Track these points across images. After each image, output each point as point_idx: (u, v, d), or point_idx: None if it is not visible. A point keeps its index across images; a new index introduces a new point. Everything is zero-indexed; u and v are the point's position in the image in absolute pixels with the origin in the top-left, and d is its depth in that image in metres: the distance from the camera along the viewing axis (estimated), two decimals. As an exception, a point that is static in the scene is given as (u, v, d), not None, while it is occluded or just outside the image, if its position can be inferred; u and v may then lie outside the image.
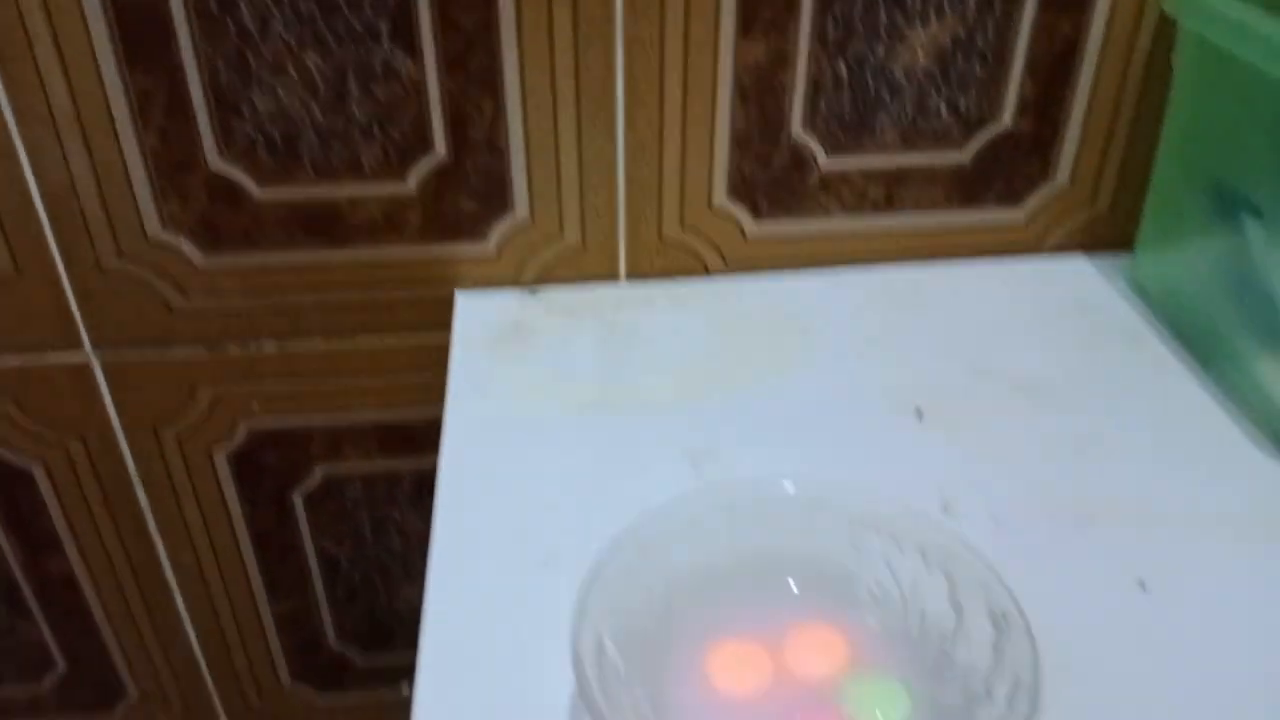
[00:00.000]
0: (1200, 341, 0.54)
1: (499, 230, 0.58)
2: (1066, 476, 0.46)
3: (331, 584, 0.74)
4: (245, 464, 0.67)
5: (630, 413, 0.51)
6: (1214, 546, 0.43)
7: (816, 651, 0.36)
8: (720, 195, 0.58)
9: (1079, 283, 0.59)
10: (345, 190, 0.56)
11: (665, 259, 0.60)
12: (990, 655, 0.33)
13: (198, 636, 0.76)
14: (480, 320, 0.57)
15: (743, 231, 0.59)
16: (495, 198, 0.57)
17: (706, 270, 0.61)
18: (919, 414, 0.50)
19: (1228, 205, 0.50)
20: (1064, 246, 0.62)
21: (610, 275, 0.60)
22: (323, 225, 0.57)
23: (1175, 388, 0.52)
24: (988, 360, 0.54)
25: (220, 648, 0.77)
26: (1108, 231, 0.61)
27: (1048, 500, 0.45)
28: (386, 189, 0.56)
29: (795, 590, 0.38)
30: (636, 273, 0.60)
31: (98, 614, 0.75)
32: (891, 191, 0.59)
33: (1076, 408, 0.51)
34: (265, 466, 0.67)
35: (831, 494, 0.38)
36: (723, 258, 0.60)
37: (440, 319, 0.59)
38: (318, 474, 0.68)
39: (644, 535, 0.37)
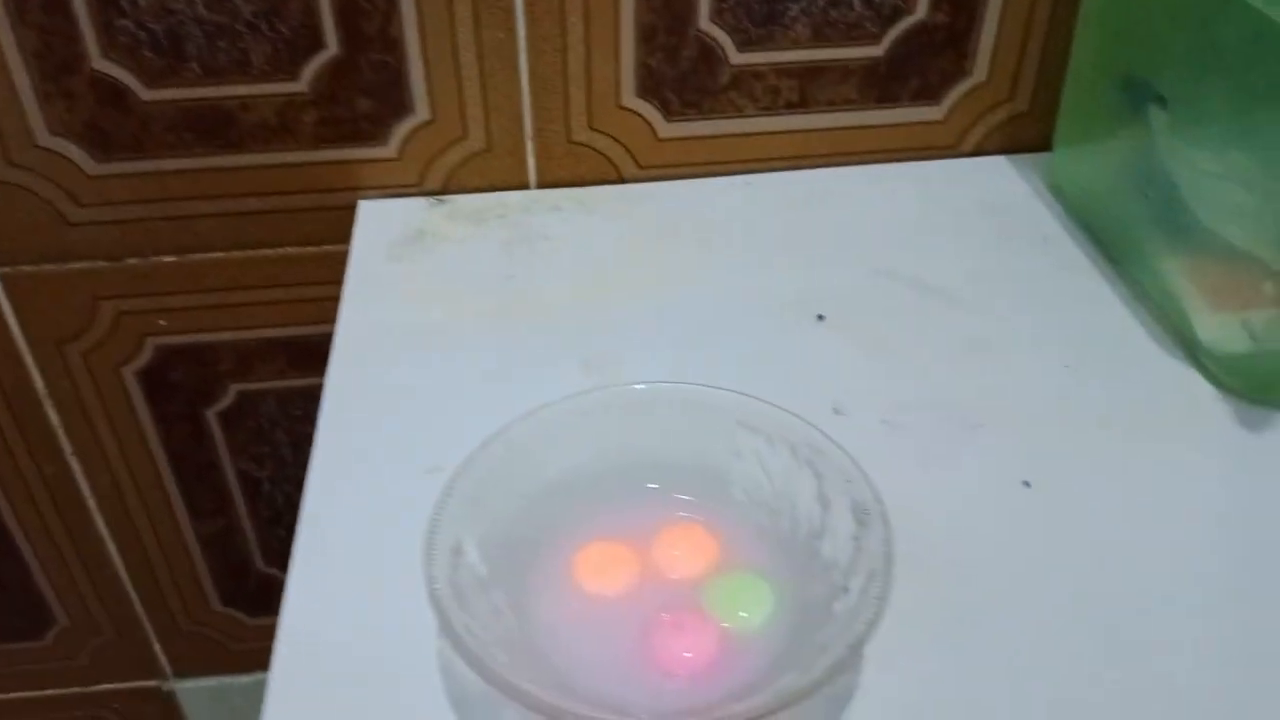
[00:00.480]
0: (1112, 241, 0.52)
1: (399, 132, 0.56)
2: (963, 378, 0.46)
3: (254, 505, 0.73)
4: (155, 382, 0.65)
5: (530, 320, 0.49)
6: (1103, 445, 0.42)
7: (686, 551, 0.35)
8: (629, 93, 0.56)
9: (996, 184, 0.58)
10: (235, 90, 0.54)
11: (576, 163, 0.58)
12: (851, 549, 0.33)
13: (123, 561, 0.75)
14: (381, 227, 0.56)
15: (654, 132, 0.57)
16: (393, 96, 0.54)
17: (620, 176, 0.59)
18: (820, 318, 0.49)
19: (1138, 98, 0.48)
20: (985, 148, 0.60)
21: (520, 182, 0.58)
22: (214, 129, 0.55)
23: (1083, 288, 0.51)
24: (896, 263, 0.52)
25: (146, 572, 0.76)
26: (1029, 131, 0.60)
27: (941, 402, 0.44)
28: (278, 88, 0.54)
29: (667, 493, 0.37)
30: (547, 179, 0.58)
31: (19, 540, 0.73)
32: (805, 89, 0.57)
33: (981, 310, 0.49)
34: (176, 384, 0.66)
35: (705, 396, 0.37)
36: (635, 161, 0.58)
37: (345, 230, 0.57)
38: (231, 391, 0.67)
39: (513, 437, 0.36)
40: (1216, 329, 0.46)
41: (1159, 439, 0.42)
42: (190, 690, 0.85)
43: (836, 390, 0.44)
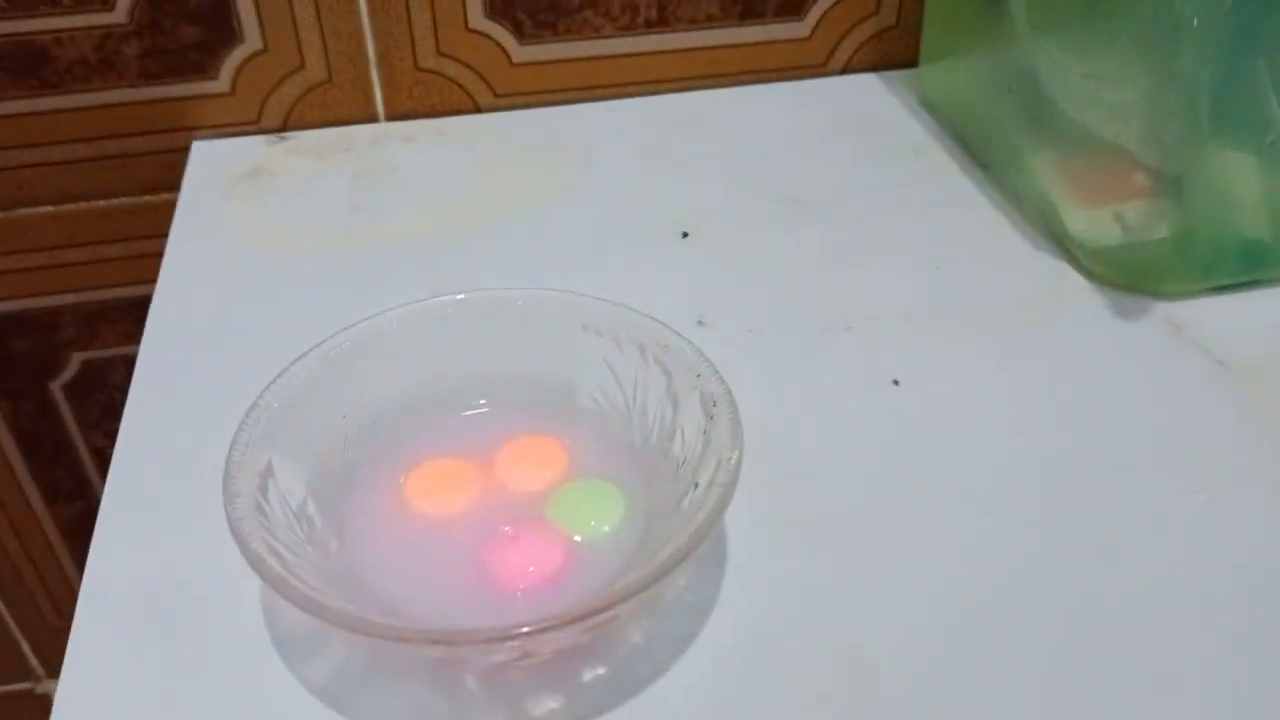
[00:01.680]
0: (982, 148, 0.51)
1: (230, 63, 0.52)
2: (830, 286, 0.44)
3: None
4: (-8, 355, 0.61)
5: (379, 251, 0.46)
6: (974, 340, 0.41)
7: (530, 465, 0.33)
8: (477, 15, 0.53)
9: (865, 100, 0.56)
10: (47, 24, 0.50)
11: (426, 93, 0.55)
12: (700, 444, 0.30)
13: (-23, 553, 0.70)
14: (216, 167, 0.52)
15: (508, 56, 0.54)
16: (220, 23, 0.51)
17: (476, 106, 0.56)
18: (684, 235, 0.47)
19: (998, 3, 0.47)
20: (854, 65, 0.58)
21: (367, 115, 0.55)
22: (27, 67, 0.51)
23: (954, 194, 0.49)
24: (764, 180, 0.50)
25: (6, 566, 0.71)
26: (897, 47, 0.58)
27: (809, 310, 0.42)
28: (94, 20, 0.50)
29: (509, 406, 0.34)
30: (397, 112, 0.55)
31: None
32: (665, 6, 0.54)
33: (850, 221, 0.48)
34: (16, 355, 0.61)
35: (545, 300, 0.35)
36: (490, 88, 0.55)
37: (180, 176, 0.53)
38: (75, 361, 0.62)
39: (330, 351, 0.33)
40: (1087, 222, 0.45)
41: (1032, 332, 0.41)
42: (65, 690, 0.79)
43: (700, 303, 0.42)
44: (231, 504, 0.27)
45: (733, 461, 0.28)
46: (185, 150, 0.54)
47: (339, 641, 0.30)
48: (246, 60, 0.52)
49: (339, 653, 0.30)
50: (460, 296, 0.34)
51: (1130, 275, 0.43)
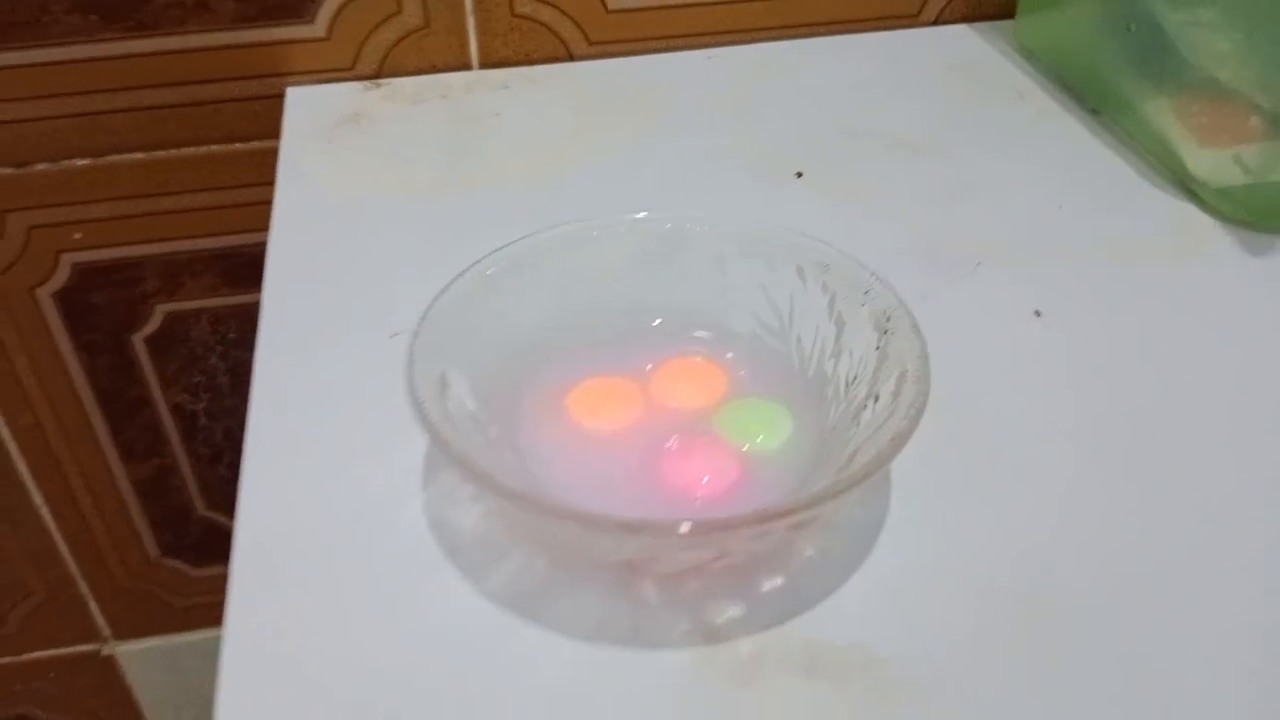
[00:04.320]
0: (1091, 91, 0.51)
1: (327, 7, 0.52)
2: (954, 222, 0.43)
3: (190, 443, 0.69)
4: (74, 306, 0.60)
5: (482, 190, 0.46)
6: (1110, 274, 0.40)
7: (690, 384, 0.33)
8: (575, -40, 0.52)
9: (961, 49, 0.56)
10: (146, -34, 0.49)
11: (521, 39, 0.54)
12: (874, 359, 0.30)
13: (51, 512, 0.70)
14: (313, 113, 0.52)
15: (603, 3, 0.54)
16: (319, -34, 0.50)
17: (570, 54, 0.55)
18: (798, 174, 0.46)
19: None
20: (946, 17, 0.58)
21: (461, 63, 0.55)
22: (122, 9, 0.50)
23: (1065, 135, 0.49)
24: (867, 123, 0.50)
25: (78, 523, 0.71)
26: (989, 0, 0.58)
27: (936, 245, 0.42)
28: (194, -38, 0.50)
29: (665, 328, 0.34)
30: (491, 59, 0.55)
31: (-67, 493, 0.68)
32: (761, -47, 0.54)
33: (962, 159, 0.47)
34: (97, 308, 0.61)
35: (697, 225, 0.34)
36: (584, 35, 0.55)
37: (274, 124, 0.53)
38: (158, 314, 0.62)
39: (486, 271, 0.32)
40: (1209, 163, 0.44)
41: (1167, 266, 0.41)
42: (132, 653, 0.79)
43: (826, 240, 0.42)
44: (422, 410, 0.27)
45: (921, 367, 0.28)
46: (278, 97, 0.54)
47: (514, 554, 0.30)
48: (343, 4, 0.52)
49: (515, 564, 0.29)
50: (606, 222, 0.34)
51: (1258, 214, 0.43)
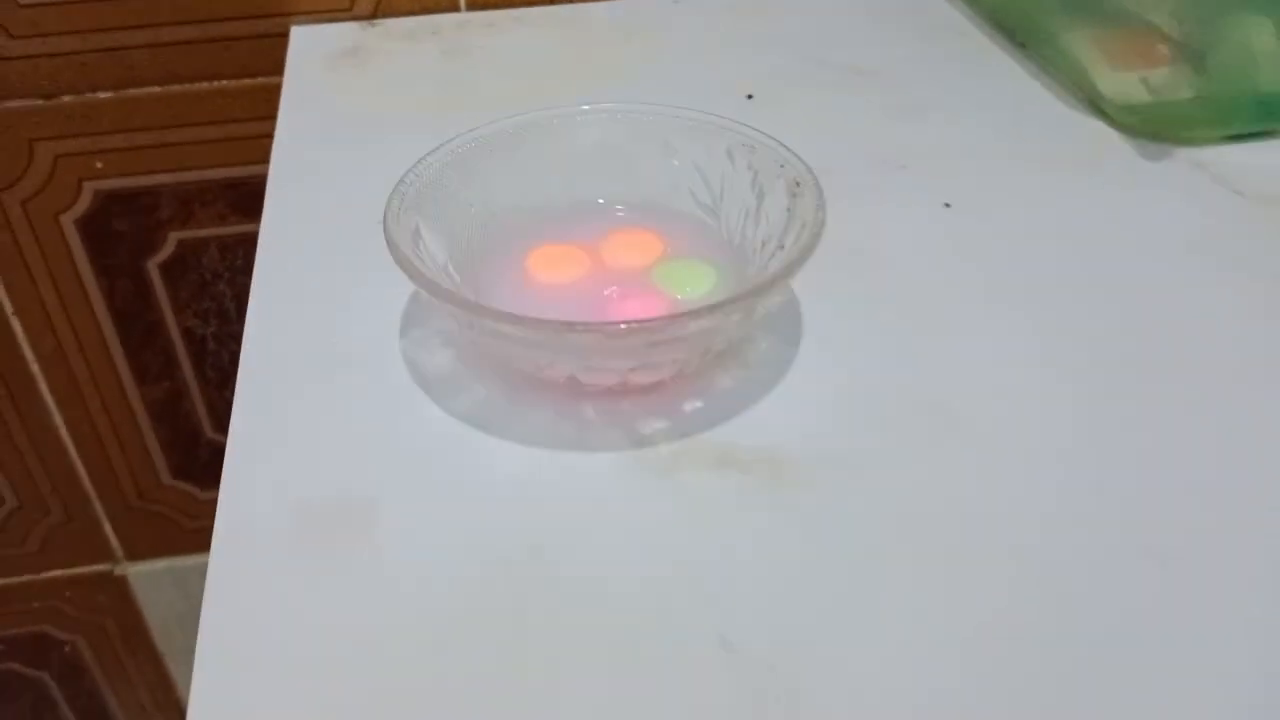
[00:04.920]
0: (1020, 27, 0.56)
1: (329, -51, 0.57)
2: (888, 135, 0.48)
3: (200, 367, 0.74)
4: (95, 231, 0.66)
5: (469, 113, 0.50)
6: (1018, 175, 0.45)
7: (632, 248, 0.38)
8: (554, -91, 0.57)
9: (910, -8, 0.61)
10: (165, -90, 0.55)
11: (505, -17, 0.59)
12: (785, 219, 0.35)
13: (69, 432, 0.75)
14: (315, 47, 0.57)
15: (580, -50, 0.59)
16: (322, -88, 0.56)
17: (549, -3, 0.61)
18: (749, 96, 0.51)
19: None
20: (899, -35, 0.63)
21: (451, 5, 0.60)
22: (145, -49, 0.56)
23: (997, 67, 0.54)
24: (821, 52, 0.55)
25: (94, 443, 0.76)
26: (939, -53, 0.62)
27: (869, 153, 0.47)
28: (208, -93, 0.55)
29: (613, 204, 0.39)
30: (478, 1, 0.60)
31: (-38, 414, 0.73)
32: (725, -96, 0.59)
33: (904, 85, 0.52)
34: (116, 234, 0.66)
35: (643, 112, 0.39)
36: (563, -20, 0.60)
37: (279, 61, 0.58)
38: (171, 240, 0.67)
39: (456, 148, 0.38)
40: (1118, 85, 0.49)
41: (1071, 169, 0.45)
42: (143, 574, 0.85)
43: (767, 148, 0.47)
44: (397, 251, 0.32)
45: (818, 221, 0.33)
46: (283, 35, 0.59)
47: (477, 385, 0.35)
48: (345, -53, 0.57)
49: (478, 393, 0.35)
50: (568, 109, 0.39)
51: (1157, 126, 0.48)
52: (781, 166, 0.36)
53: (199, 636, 0.28)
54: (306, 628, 0.28)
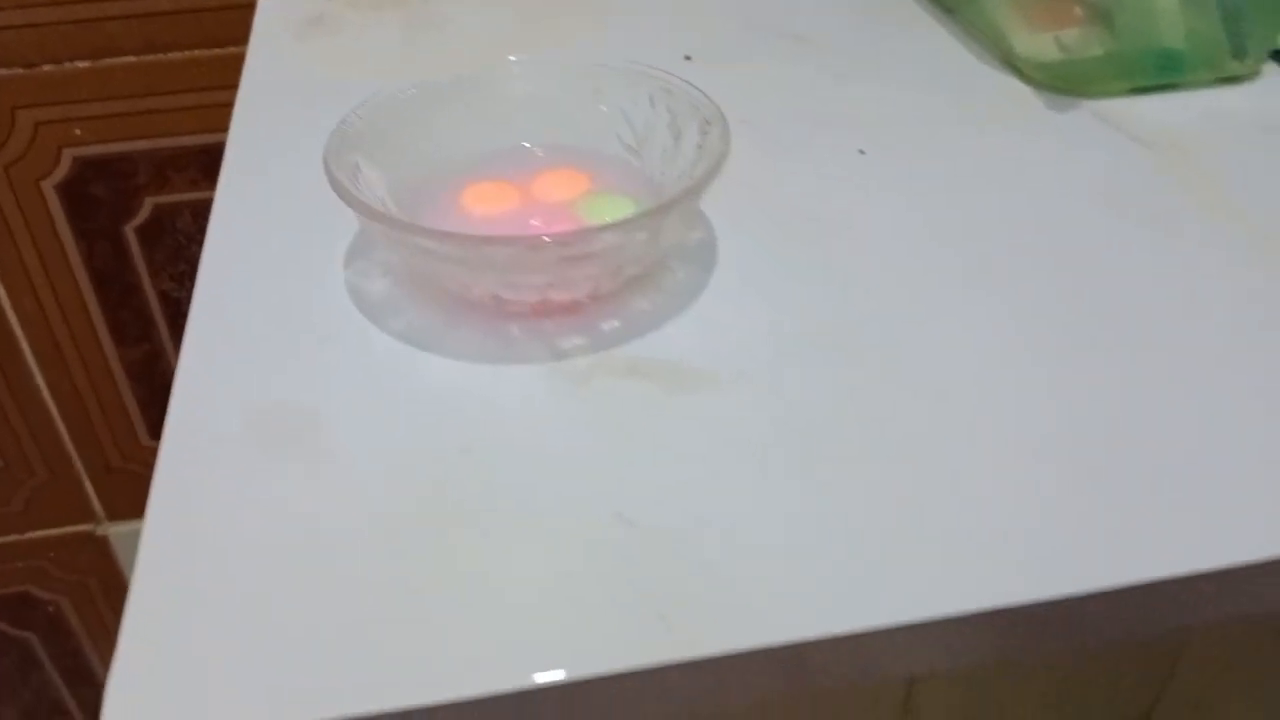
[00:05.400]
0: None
1: (294, -78, 0.60)
2: (815, 93, 0.51)
3: (175, 330, 0.77)
4: (75, 196, 0.69)
5: (436, 71, 0.54)
6: (932, 126, 0.48)
7: (560, 186, 0.41)
8: (507, -116, 0.60)
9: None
10: (137, -116, 0.58)
11: (463, -45, 0.62)
12: (696, 154, 0.38)
13: (50, 392, 0.78)
14: (283, 15, 0.60)
15: (534, -76, 0.62)
16: (286, -115, 0.59)
17: (506, -30, 0.64)
18: (687, 58, 0.54)
19: None
20: (840, -61, 0.66)
21: (412, -24, 0.63)
22: (119, -77, 0.59)
23: (924, 31, 0.57)
24: (761, 18, 0.58)
25: (75, 403, 0.79)
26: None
27: (795, 108, 0.50)
28: (178, -119, 0.58)
29: (545, 146, 0.42)
30: (437, -27, 0.63)
31: (-52, 377, 0.76)
32: (672, -120, 0.62)
33: (835, 49, 0.55)
34: (94, 199, 0.69)
35: (573, 62, 0.42)
36: (519, -47, 0.63)
37: (248, 31, 0.61)
38: (147, 205, 0.70)
39: (395, 93, 0.41)
40: (1033, 45, 0.52)
41: (983, 121, 0.49)
42: (124, 534, 0.88)
43: (700, 104, 0.50)
44: (332, 176, 0.35)
45: (720, 140, 0.36)
46: (251, 8, 0.62)
47: (411, 308, 0.38)
48: (309, -81, 0.60)
49: (412, 315, 0.38)
50: (502, 62, 0.42)
51: (1067, 81, 0.51)
52: (696, 108, 0.39)
53: (145, 521, 0.31)
54: (251, 516, 0.31)
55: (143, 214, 0.70)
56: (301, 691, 0.27)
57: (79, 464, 0.82)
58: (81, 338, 0.75)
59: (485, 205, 0.40)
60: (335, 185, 0.35)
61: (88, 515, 0.85)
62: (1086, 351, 0.36)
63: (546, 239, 0.33)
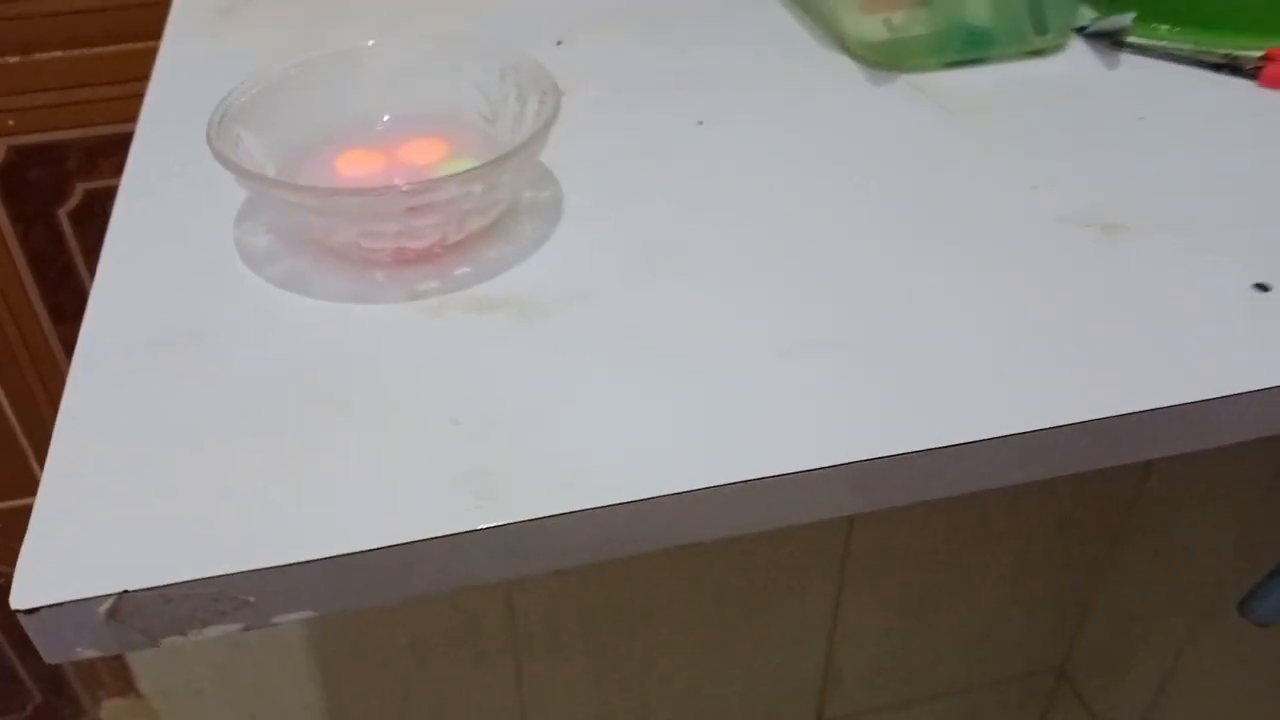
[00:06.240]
0: (798, -15, 0.65)
1: (203, -76, 0.65)
2: (664, 69, 0.58)
3: (113, 308, 0.82)
4: (10, 182, 0.74)
5: (333, 46, 0.60)
6: (767, 99, 0.55)
7: (423, 151, 0.47)
8: (399, -113, 0.66)
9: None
10: (56, -108, 0.63)
11: (362, -46, 0.68)
12: (535, 120, 0.44)
13: (-4, 375, 0.83)
14: (196, 7, 0.65)
15: (426, -77, 0.68)
16: (194, -109, 0.64)
17: (403, -33, 0.69)
18: (559, 43, 0.61)
19: None
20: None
21: (316, -27, 0.68)
22: (41, -72, 0.64)
23: (773, 17, 0.63)
24: (625, 5, 0.64)
25: (17, 380, 0.84)
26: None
27: (646, 78, 0.56)
28: (94, -111, 0.63)
29: (412, 116, 0.48)
30: (339, -30, 0.69)
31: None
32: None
33: (687, 30, 0.62)
34: (29, 184, 0.74)
35: (439, 44, 0.48)
36: (413, -49, 0.69)
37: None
38: (79, 190, 0.75)
39: (277, 72, 0.46)
40: (863, 26, 0.59)
41: (807, 93, 0.55)
42: (70, 506, 0.92)
43: (565, 84, 0.56)
44: (214, 145, 0.41)
45: (551, 107, 0.42)
46: (168, 5, 0.67)
47: (288, 258, 0.44)
48: (217, -78, 0.65)
49: (289, 264, 0.44)
50: (371, 42, 0.48)
51: (889, 58, 0.57)
52: (537, 81, 0.45)
53: (57, 421, 0.37)
54: (147, 413, 0.37)
55: (75, 199, 0.75)
56: (175, 551, 0.32)
57: (23, 438, 0.87)
58: (21, 316, 0.80)
59: (354, 169, 0.46)
60: (215, 152, 0.41)
61: (32, 487, 0.90)
62: (869, 260, 0.42)
63: (393, 187, 0.39)
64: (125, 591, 0.32)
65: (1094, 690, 1.16)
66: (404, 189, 0.39)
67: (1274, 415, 0.39)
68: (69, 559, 0.33)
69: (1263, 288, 0.41)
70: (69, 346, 0.82)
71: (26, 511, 0.87)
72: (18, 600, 0.32)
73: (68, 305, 0.80)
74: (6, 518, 0.92)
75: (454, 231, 0.43)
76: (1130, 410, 0.36)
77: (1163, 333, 0.39)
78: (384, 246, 0.42)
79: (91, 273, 0.79)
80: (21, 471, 0.89)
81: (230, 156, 0.41)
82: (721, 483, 0.34)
